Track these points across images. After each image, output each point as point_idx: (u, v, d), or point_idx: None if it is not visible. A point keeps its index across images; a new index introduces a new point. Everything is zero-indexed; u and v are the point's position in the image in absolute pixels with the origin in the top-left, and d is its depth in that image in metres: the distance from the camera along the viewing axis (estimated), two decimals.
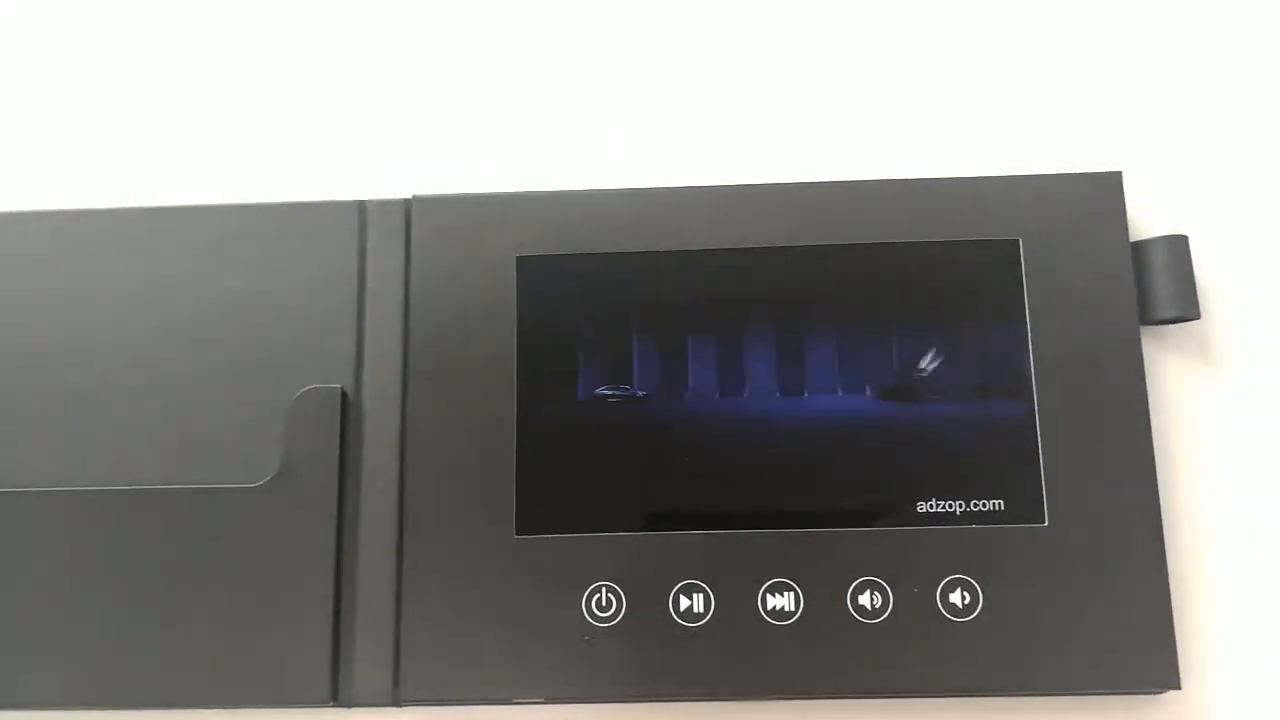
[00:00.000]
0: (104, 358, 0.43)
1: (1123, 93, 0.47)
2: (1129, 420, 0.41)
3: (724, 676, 0.40)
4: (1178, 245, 0.43)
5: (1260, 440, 0.43)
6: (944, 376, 0.42)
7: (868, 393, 0.42)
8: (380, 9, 0.50)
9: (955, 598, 0.40)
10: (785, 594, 0.40)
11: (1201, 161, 0.46)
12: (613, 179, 0.45)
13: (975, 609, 0.39)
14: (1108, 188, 0.43)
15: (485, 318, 0.43)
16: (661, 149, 0.47)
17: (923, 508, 0.40)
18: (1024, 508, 0.40)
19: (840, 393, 0.42)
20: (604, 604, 0.40)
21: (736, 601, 0.40)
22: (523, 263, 0.43)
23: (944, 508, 0.40)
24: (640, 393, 0.42)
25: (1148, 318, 0.42)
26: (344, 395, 0.42)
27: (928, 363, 0.42)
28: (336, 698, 0.40)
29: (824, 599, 0.40)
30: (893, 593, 0.40)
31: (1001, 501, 0.40)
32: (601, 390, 0.42)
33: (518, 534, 0.41)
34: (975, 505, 0.40)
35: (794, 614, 0.40)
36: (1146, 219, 0.44)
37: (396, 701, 0.40)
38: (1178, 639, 0.39)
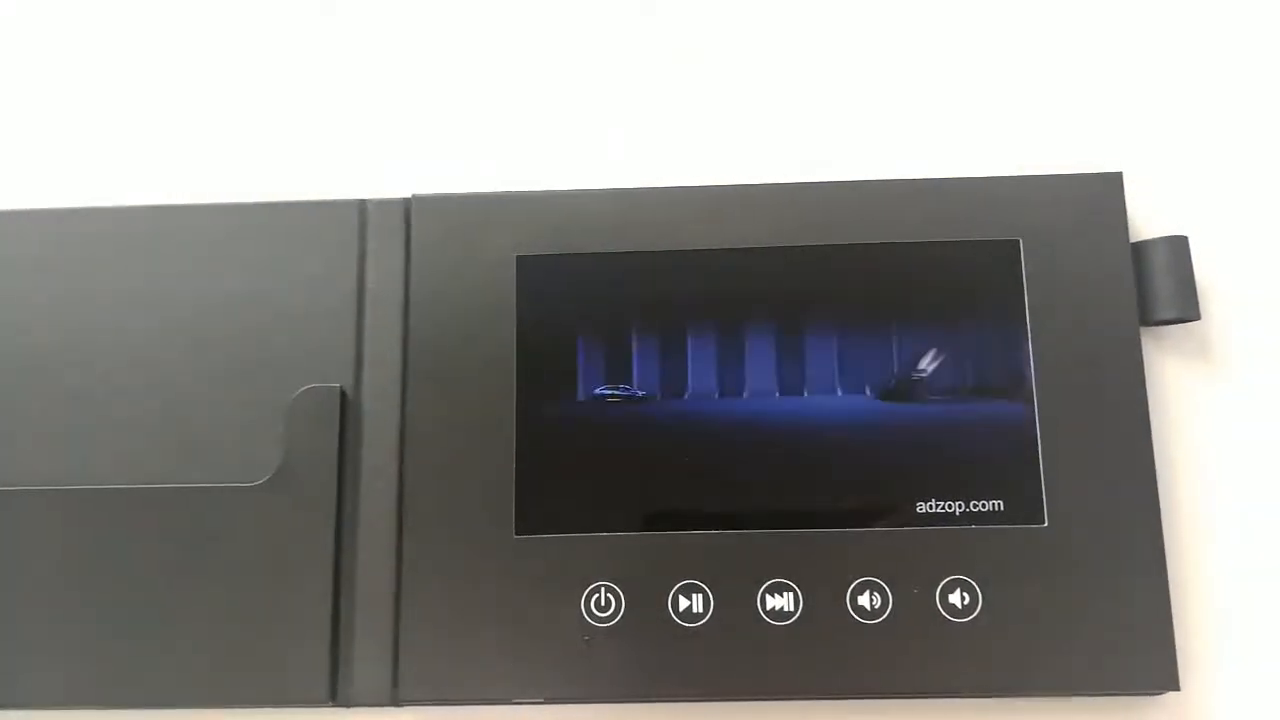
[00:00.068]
0: (104, 357, 0.43)
1: (1123, 93, 0.47)
2: (1129, 421, 0.41)
3: (723, 677, 0.40)
4: (1178, 246, 0.43)
5: (1260, 441, 0.43)
6: (944, 377, 0.42)
7: (867, 393, 0.42)
8: (380, 9, 0.50)
9: (955, 598, 0.40)
10: (784, 594, 0.40)
11: (1202, 162, 0.46)
12: (613, 179, 0.45)
13: (975, 609, 0.39)
14: (1108, 188, 0.43)
15: (485, 317, 0.43)
16: (661, 149, 0.47)
17: (922, 508, 0.40)
18: (1024, 508, 0.40)
19: (840, 393, 0.42)
20: (603, 604, 0.40)
21: (736, 602, 0.40)
22: (523, 262, 0.43)
23: (944, 508, 0.40)
24: (640, 392, 0.42)
25: (1148, 318, 0.42)
26: (343, 395, 0.42)
27: (928, 363, 0.42)
28: (335, 697, 0.40)
29: (823, 599, 0.40)
30: (892, 593, 0.40)
31: (1001, 502, 0.40)
32: (601, 390, 0.42)
33: (517, 534, 0.41)
34: (975, 506, 0.40)
35: (793, 614, 0.40)
36: (1147, 220, 0.44)
37: (396, 701, 0.40)
38: (1177, 640, 0.39)
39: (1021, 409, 0.41)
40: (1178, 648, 0.39)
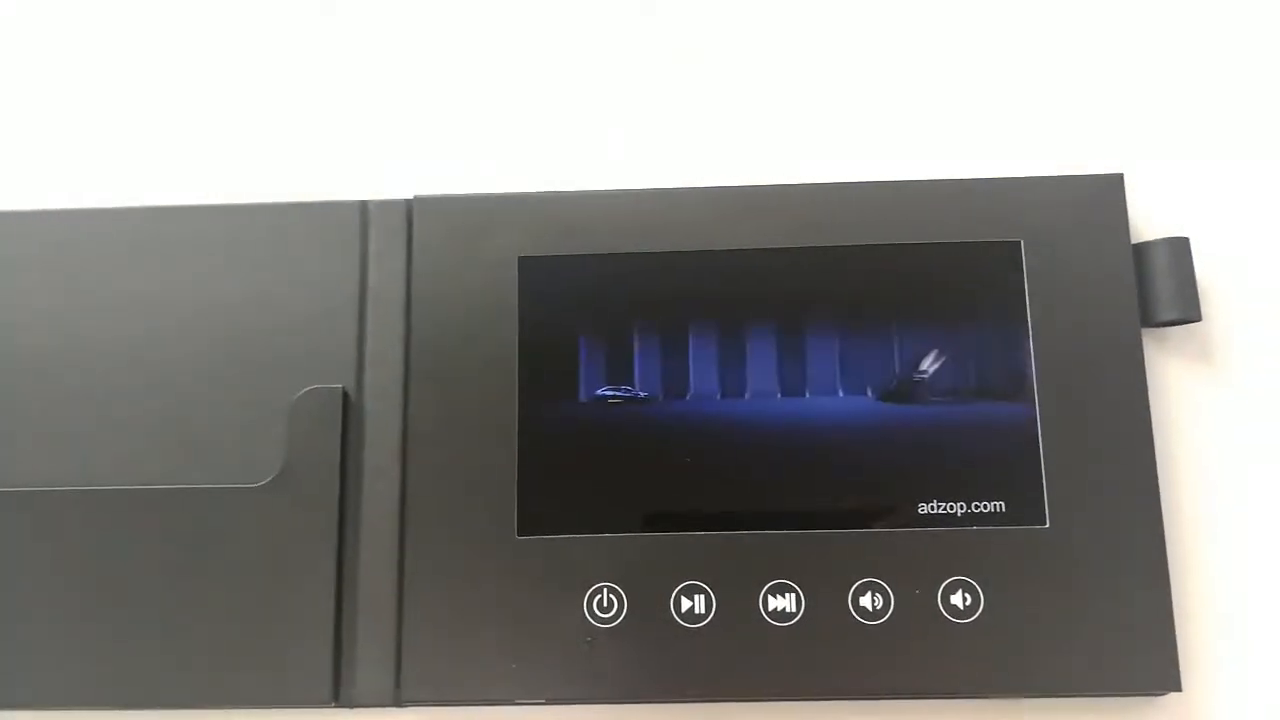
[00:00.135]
0: (106, 357, 0.43)
1: (1124, 95, 0.47)
2: (1130, 422, 0.41)
3: (725, 678, 0.40)
4: (1179, 247, 0.43)
5: (1261, 442, 0.43)
6: (945, 378, 0.42)
7: (869, 394, 0.42)
8: (381, 9, 0.50)
9: (956, 599, 0.40)
10: (786, 595, 0.40)
11: (1203, 164, 0.46)
12: (614, 179, 0.45)
13: (976, 610, 0.39)
14: (1109, 190, 0.43)
15: (487, 318, 0.43)
16: (662, 149, 0.47)
17: (924, 509, 0.41)
18: (1025, 509, 0.40)
19: (841, 394, 0.42)
20: (605, 605, 0.40)
21: (738, 603, 0.40)
22: (524, 263, 0.43)
23: (945, 509, 0.40)
24: (642, 394, 0.42)
25: (1149, 320, 0.42)
26: (345, 395, 0.42)
27: (929, 364, 0.42)
28: (338, 698, 0.40)
29: (825, 600, 0.40)
30: (894, 594, 0.40)
31: (1002, 503, 0.40)
32: (603, 391, 0.42)
33: (519, 535, 0.41)
34: (976, 507, 0.40)
35: (795, 615, 0.40)
36: (1148, 221, 0.45)
37: (398, 702, 0.40)
38: (1178, 641, 0.39)
39: (1023, 410, 0.41)
40: (1179, 648, 0.39)
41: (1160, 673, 0.39)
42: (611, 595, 0.40)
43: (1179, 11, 0.48)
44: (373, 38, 0.50)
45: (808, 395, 0.42)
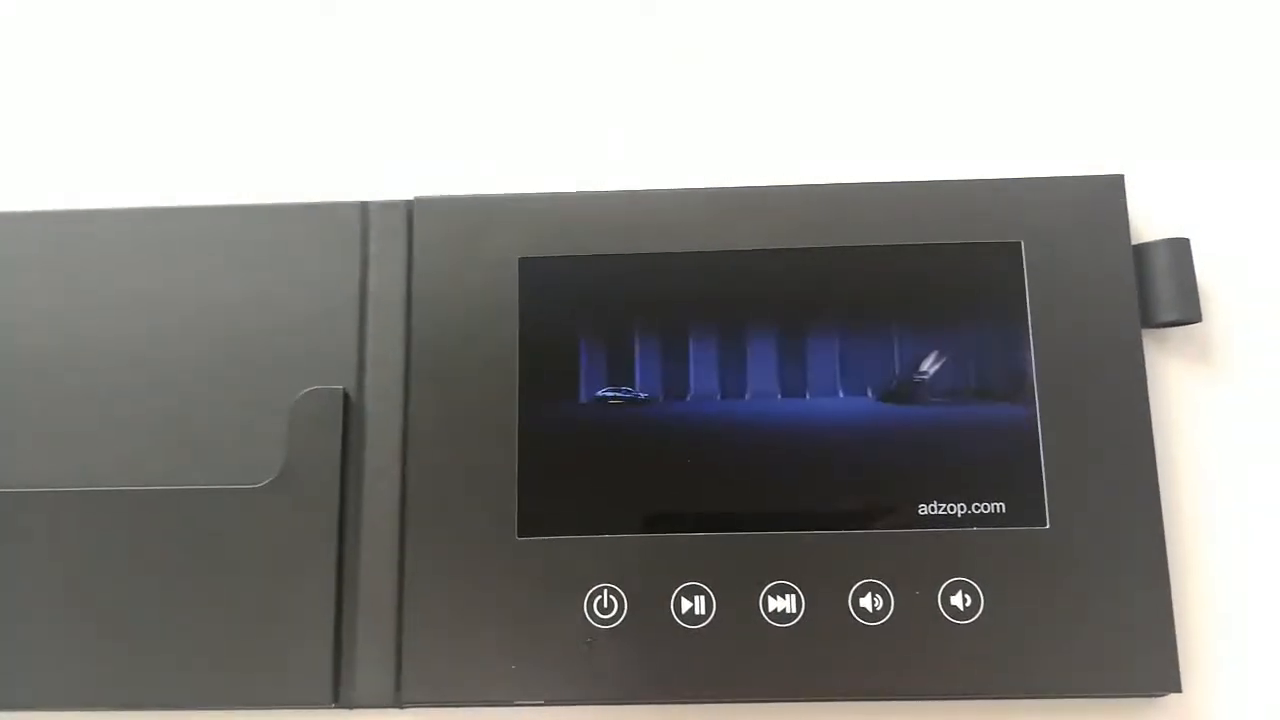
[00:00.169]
0: (107, 359, 0.43)
1: (1125, 96, 0.47)
2: (1130, 423, 0.41)
3: (725, 679, 0.40)
4: (1179, 248, 0.43)
5: (1261, 443, 0.43)
6: (945, 379, 0.42)
7: (869, 395, 0.42)
8: (382, 10, 0.50)
9: (956, 600, 0.40)
10: (786, 596, 0.40)
11: (1203, 165, 0.46)
12: (614, 180, 0.45)
13: (976, 611, 0.39)
14: (1109, 191, 0.43)
15: (487, 319, 0.43)
16: (662, 150, 0.47)
17: (924, 510, 0.41)
18: (1025, 510, 0.40)
19: (842, 395, 0.42)
20: (605, 606, 0.40)
21: (738, 604, 0.40)
22: (525, 264, 0.43)
23: (945, 510, 0.40)
24: (642, 395, 0.42)
25: (1149, 321, 0.42)
26: (346, 396, 0.42)
27: (929, 365, 0.42)
28: (338, 699, 0.40)
29: (825, 601, 0.40)
30: (894, 595, 0.40)
31: (1003, 504, 0.40)
32: (603, 392, 0.42)
33: (519, 536, 0.41)
34: (976, 508, 0.40)
35: (795, 616, 0.40)
36: (1148, 222, 0.45)
37: (398, 703, 0.40)
38: (1178, 642, 0.39)
39: (1023, 411, 0.41)
40: (1179, 649, 0.39)
41: (1160, 673, 0.39)
42: (612, 596, 0.40)
43: (1179, 12, 0.48)
44: (373, 39, 0.50)
45: (808, 396, 0.42)
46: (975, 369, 0.42)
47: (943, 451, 0.41)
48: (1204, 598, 0.41)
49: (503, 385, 0.42)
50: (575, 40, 0.49)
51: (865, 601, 0.40)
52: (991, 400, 0.42)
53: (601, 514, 0.41)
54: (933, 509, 0.40)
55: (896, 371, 0.42)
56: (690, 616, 0.40)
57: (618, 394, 0.42)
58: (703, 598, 0.40)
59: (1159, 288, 0.43)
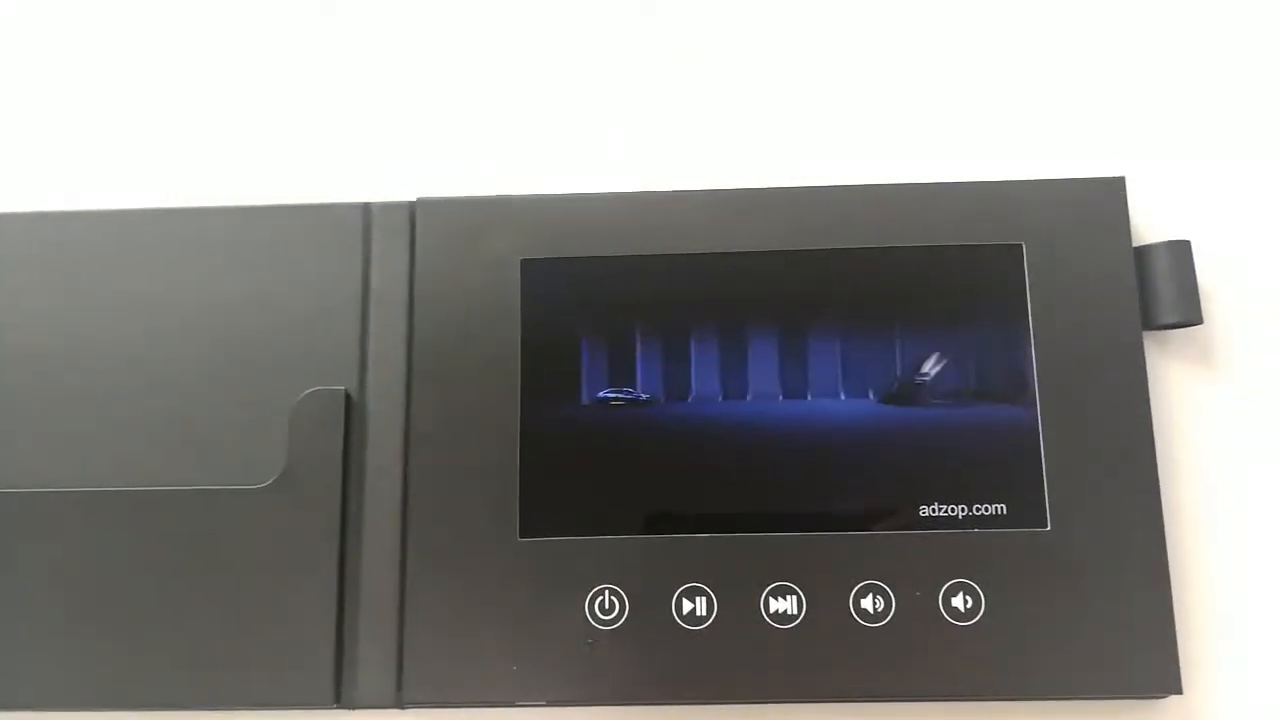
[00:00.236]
0: (109, 359, 0.43)
1: (1126, 98, 0.47)
2: (1131, 425, 0.41)
3: (726, 680, 0.40)
4: (1180, 250, 0.43)
5: (1262, 445, 0.43)
6: (947, 381, 0.42)
7: (870, 397, 0.42)
8: (384, 11, 0.50)
9: (957, 602, 0.40)
10: (787, 597, 0.40)
11: (1204, 167, 0.46)
12: (615, 181, 0.45)
13: (977, 613, 0.39)
14: (1111, 192, 0.43)
15: (489, 320, 0.43)
16: (663, 151, 0.48)
17: (925, 512, 0.41)
18: (1026, 512, 0.40)
19: (843, 397, 0.42)
20: (607, 607, 0.40)
21: (739, 605, 0.40)
22: (527, 265, 0.43)
23: (946, 512, 0.41)
24: (643, 396, 0.42)
25: (1150, 323, 0.42)
26: (348, 397, 0.42)
27: (930, 367, 0.42)
28: (339, 699, 0.40)
29: (826, 602, 0.40)
30: (895, 596, 0.40)
31: (1004, 506, 0.40)
32: (605, 393, 0.42)
33: (521, 536, 0.41)
34: (977, 509, 0.40)
35: (796, 617, 0.40)
36: (1149, 224, 0.45)
37: (399, 704, 0.40)
38: (1179, 644, 0.39)
39: (1024, 413, 0.41)
40: (1180, 651, 0.39)
41: (1161, 675, 0.39)
42: (613, 597, 0.40)
43: (1180, 14, 0.48)
44: (375, 40, 0.50)
45: (809, 398, 0.42)
46: (976, 371, 0.42)
47: (944, 453, 0.41)
48: (1205, 600, 0.41)
49: (504, 386, 0.42)
50: (575, 41, 0.49)
51: (866, 603, 0.40)
52: (992, 402, 0.42)
53: (603, 515, 0.41)
54: (934, 510, 0.41)
55: (898, 373, 0.42)
56: (691, 617, 0.40)
57: (619, 395, 0.42)
58: (704, 599, 0.40)
59: (1160, 290, 0.43)
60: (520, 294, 0.43)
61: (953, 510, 0.40)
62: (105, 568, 0.41)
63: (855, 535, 0.40)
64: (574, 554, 0.41)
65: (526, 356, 0.42)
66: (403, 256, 0.44)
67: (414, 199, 0.45)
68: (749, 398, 0.42)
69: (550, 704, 0.41)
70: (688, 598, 0.40)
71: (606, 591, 0.40)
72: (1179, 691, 0.39)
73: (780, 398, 0.42)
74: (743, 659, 0.39)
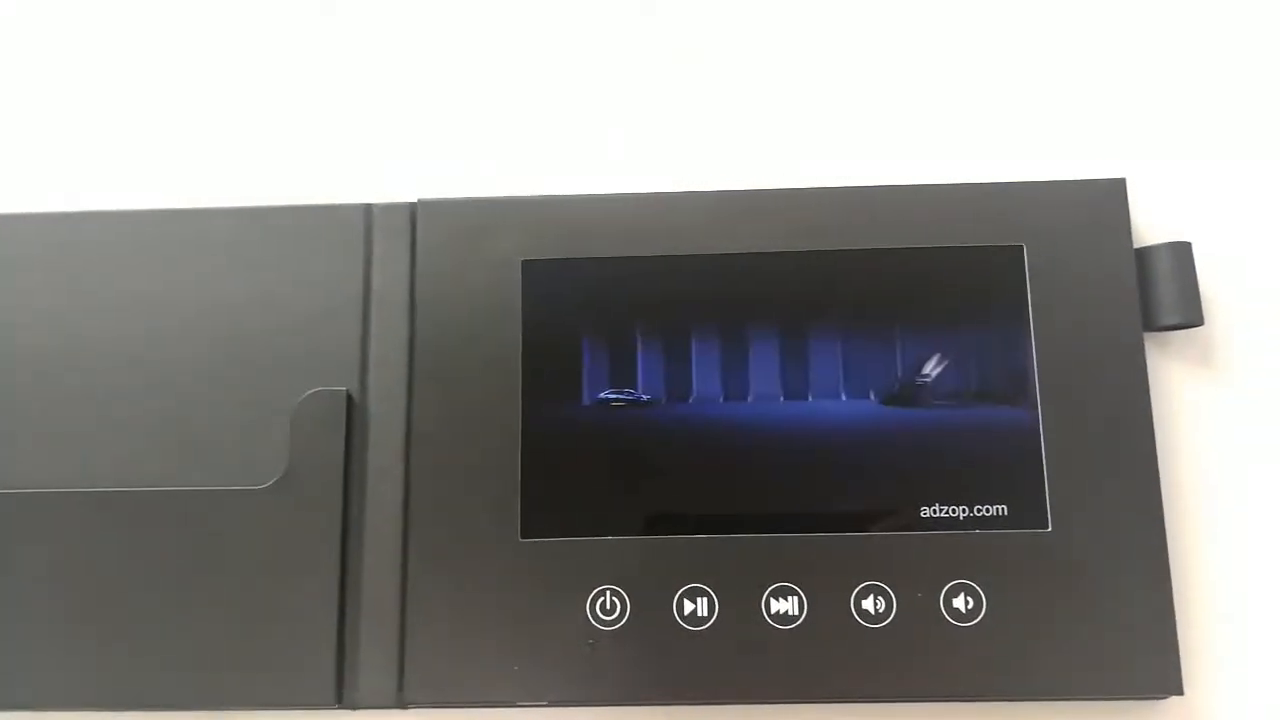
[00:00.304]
0: (110, 360, 0.44)
1: (1127, 99, 0.47)
2: (1132, 426, 0.41)
3: (727, 680, 0.40)
4: (1181, 252, 0.43)
5: (1263, 446, 0.43)
6: (948, 382, 0.42)
7: (871, 398, 0.42)
8: (384, 12, 0.50)
9: (958, 602, 0.40)
10: (789, 598, 0.40)
11: (1205, 168, 0.46)
12: (616, 182, 0.45)
13: (978, 614, 0.39)
14: (1112, 194, 0.43)
15: (490, 321, 0.43)
16: (664, 152, 0.48)
17: (926, 512, 0.41)
18: (1027, 513, 0.40)
19: (844, 398, 0.42)
20: (608, 607, 0.40)
21: (740, 605, 0.40)
22: (528, 266, 0.43)
23: (947, 513, 0.41)
24: (644, 397, 0.42)
25: (1151, 324, 0.42)
26: (349, 398, 0.42)
27: (931, 368, 0.42)
28: (341, 700, 0.40)
29: (827, 603, 0.40)
30: (896, 597, 0.40)
31: (1005, 506, 0.41)
32: (606, 394, 0.42)
33: (522, 537, 0.41)
34: (979, 510, 0.41)
35: (797, 618, 0.40)
36: (1150, 225, 0.45)
37: (401, 704, 0.40)
38: (1180, 644, 0.39)
39: (1025, 414, 0.41)
40: (1181, 652, 0.39)
41: (1162, 676, 0.39)
42: (614, 598, 0.40)
43: (1180, 15, 0.48)
44: (375, 41, 0.50)
45: (810, 399, 0.42)
46: (977, 372, 0.42)
47: (945, 454, 0.41)
48: (1206, 600, 0.41)
49: (506, 387, 0.42)
50: (576, 41, 0.49)
51: (867, 604, 0.40)
52: (993, 403, 0.42)
53: (604, 515, 0.41)
54: (935, 511, 0.41)
55: (899, 374, 0.42)
56: (692, 618, 0.40)
57: (620, 396, 0.42)
58: (705, 599, 0.40)
59: (1161, 291, 0.43)
60: (521, 295, 0.43)
61: (954, 511, 0.41)
62: (106, 568, 0.41)
63: (856, 536, 0.40)
64: (575, 554, 0.41)
65: (528, 357, 0.42)
66: (404, 257, 0.44)
67: (415, 200, 0.45)
68: (750, 399, 0.42)
69: (551, 704, 0.41)
70: (689, 598, 0.40)
71: (608, 592, 0.40)
72: (1180, 692, 0.39)
73: (781, 399, 0.42)
74: (744, 660, 0.40)
